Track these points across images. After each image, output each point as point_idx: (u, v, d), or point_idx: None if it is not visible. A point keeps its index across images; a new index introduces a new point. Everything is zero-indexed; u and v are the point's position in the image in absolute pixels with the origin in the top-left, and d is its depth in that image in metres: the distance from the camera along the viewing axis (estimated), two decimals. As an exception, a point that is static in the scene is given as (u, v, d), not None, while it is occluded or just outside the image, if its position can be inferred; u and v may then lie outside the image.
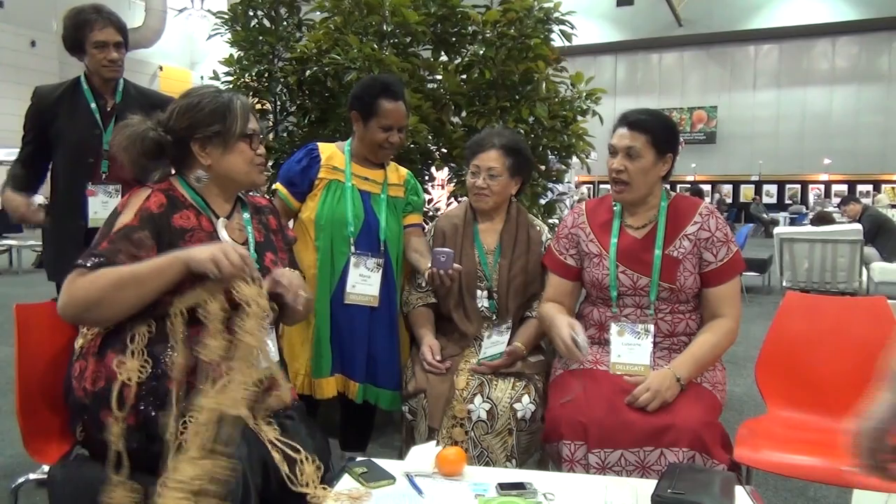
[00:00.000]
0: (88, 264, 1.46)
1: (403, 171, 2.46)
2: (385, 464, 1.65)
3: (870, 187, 20.35)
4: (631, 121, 2.01)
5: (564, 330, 1.91)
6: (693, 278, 2.01)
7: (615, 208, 2.11)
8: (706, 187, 20.42)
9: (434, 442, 1.82)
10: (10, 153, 12.76)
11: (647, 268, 2.00)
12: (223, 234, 1.65)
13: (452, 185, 3.53)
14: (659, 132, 2.00)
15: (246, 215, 1.75)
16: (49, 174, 2.64)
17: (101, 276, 1.44)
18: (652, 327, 2.00)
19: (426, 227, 2.57)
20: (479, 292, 2.30)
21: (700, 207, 2.06)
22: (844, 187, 20.36)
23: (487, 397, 2.06)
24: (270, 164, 3.29)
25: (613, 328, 2.03)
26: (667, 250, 2.00)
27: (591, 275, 2.08)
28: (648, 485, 1.52)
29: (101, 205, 2.47)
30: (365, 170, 2.34)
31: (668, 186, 2.14)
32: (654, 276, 1.99)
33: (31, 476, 1.88)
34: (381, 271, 2.27)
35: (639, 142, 1.97)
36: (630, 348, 1.99)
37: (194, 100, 1.64)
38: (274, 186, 2.40)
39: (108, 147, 2.46)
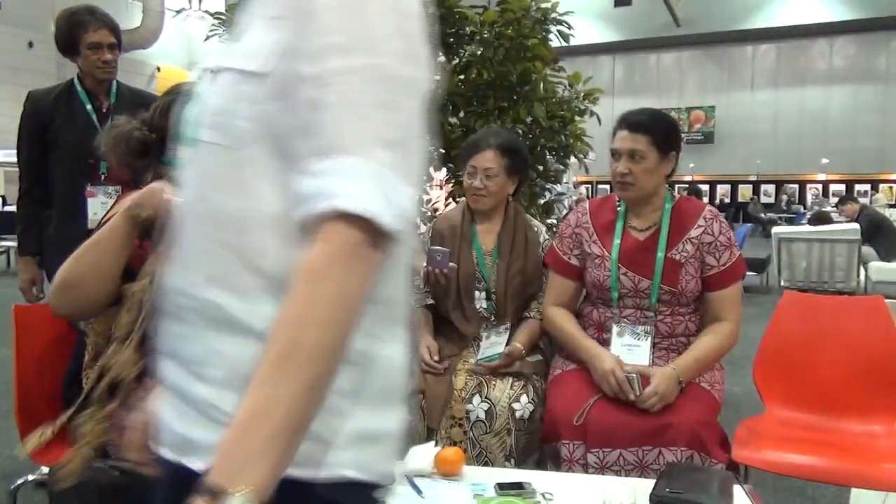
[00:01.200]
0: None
1: None
2: (384, 464, 1.65)
3: (868, 187, 20.37)
4: (631, 122, 2.00)
5: (618, 372, 1.86)
6: (695, 282, 2.00)
7: (619, 209, 2.10)
8: (704, 187, 20.43)
9: (433, 442, 1.82)
10: (8, 154, 12.72)
11: (649, 270, 1.99)
12: None
13: (451, 185, 3.53)
14: (660, 132, 1.99)
15: None
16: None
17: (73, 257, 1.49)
18: (652, 329, 1.99)
19: (424, 227, 2.56)
20: (477, 293, 2.30)
21: (704, 211, 2.05)
22: (842, 187, 20.37)
23: (486, 397, 2.06)
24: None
25: (614, 329, 2.03)
26: (669, 253, 1.99)
27: (593, 276, 2.07)
28: (647, 484, 1.53)
29: (100, 206, 2.47)
30: None
31: (673, 192, 2.12)
32: (655, 279, 1.98)
33: (30, 477, 1.89)
34: None
35: (641, 143, 1.96)
36: (629, 349, 1.98)
37: (175, 97, 1.64)
38: None
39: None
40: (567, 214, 2.19)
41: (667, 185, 2.10)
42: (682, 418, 1.79)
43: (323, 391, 0.67)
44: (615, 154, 2.02)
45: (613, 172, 2.01)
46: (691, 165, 21.69)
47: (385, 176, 0.68)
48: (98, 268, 1.49)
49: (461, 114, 3.36)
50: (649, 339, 1.98)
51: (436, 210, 3.56)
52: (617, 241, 2.04)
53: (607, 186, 22.02)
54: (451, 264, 2.12)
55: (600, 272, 2.05)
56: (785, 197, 20.41)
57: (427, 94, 0.75)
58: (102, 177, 2.51)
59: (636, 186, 1.99)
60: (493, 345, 2.20)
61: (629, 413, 1.81)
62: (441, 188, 3.92)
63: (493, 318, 2.30)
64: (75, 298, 1.51)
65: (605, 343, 2.04)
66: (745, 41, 21.36)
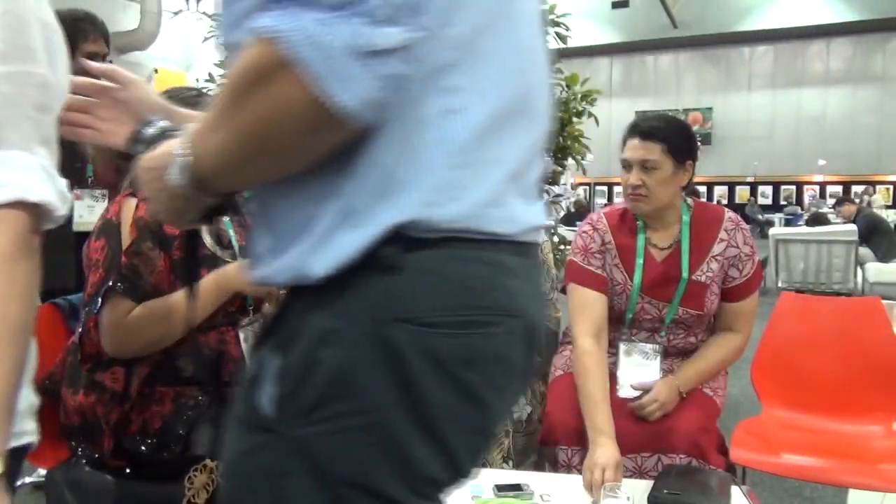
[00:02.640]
0: (132, 296, 1.45)
1: None
2: (382, 466, 1.65)
3: (864, 188, 20.41)
4: (643, 130, 1.85)
5: (607, 474, 1.57)
6: (717, 299, 1.91)
7: (638, 223, 1.95)
8: (702, 189, 20.44)
9: (431, 444, 1.82)
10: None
11: (672, 295, 1.89)
12: (208, 240, 1.65)
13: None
14: (674, 139, 1.84)
15: (226, 218, 1.75)
16: None
17: (151, 314, 1.45)
18: (661, 348, 1.93)
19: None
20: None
21: (724, 221, 1.93)
22: (839, 188, 20.41)
23: (484, 399, 2.06)
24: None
25: (621, 347, 1.94)
26: (693, 276, 1.88)
27: (610, 302, 1.94)
28: (645, 486, 1.53)
29: (86, 209, 2.45)
30: None
31: (687, 200, 1.98)
32: (673, 303, 1.89)
33: (27, 479, 1.88)
34: None
35: (654, 153, 1.82)
36: (638, 369, 1.91)
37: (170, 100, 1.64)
38: None
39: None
40: (582, 226, 2.04)
41: (682, 195, 1.96)
42: (681, 425, 1.77)
43: (25, 363, 0.76)
44: (626, 165, 1.87)
45: (625, 184, 1.89)
46: (689, 167, 21.67)
47: (47, 169, 0.80)
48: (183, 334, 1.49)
49: (459, 115, 3.36)
50: (658, 357, 1.91)
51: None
52: (640, 262, 1.91)
53: (605, 188, 22.02)
54: None
55: (620, 300, 1.93)
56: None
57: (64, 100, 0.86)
58: (89, 180, 2.50)
59: (650, 199, 1.85)
60: (492, 346, 2.19)
61: (627, 420, 1.79)
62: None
63: (491, 319, 2.29)
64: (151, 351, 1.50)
65: (611, 364, 1.93)
66: (742, 43, 21.38)
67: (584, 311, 1.90)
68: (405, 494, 0.65)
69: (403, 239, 0.63)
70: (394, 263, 0.63)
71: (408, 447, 0.64)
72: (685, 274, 1.88)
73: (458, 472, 0.70)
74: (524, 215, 0.71)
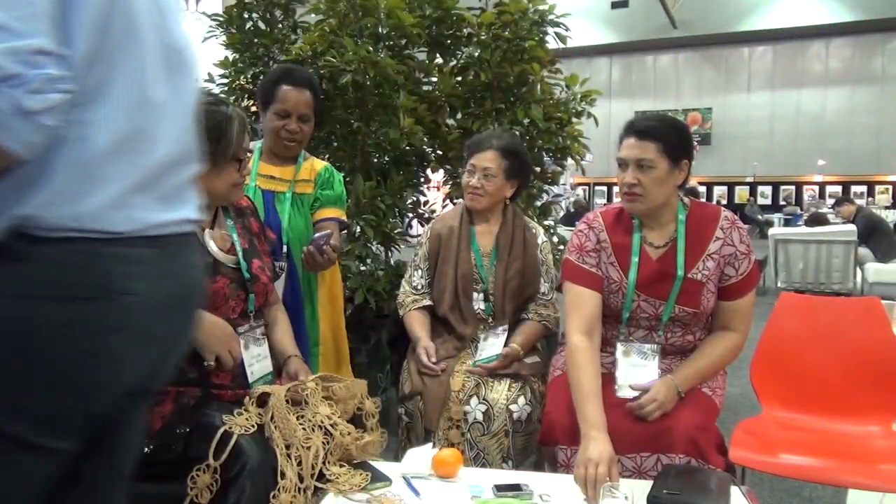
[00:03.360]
0: None
1: (320, 164, 2.35)
2: (381, 466, 1.65)
3: (864, 188, 20.42)
4: (638, 129, 1.85)
5: (600, 469, 1.55)
6: (714, 297, 1.92)
7: (634, 221, 1.95)
8: (701, 189, 20.44)
9: (430, 444, 1.82)
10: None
11: (668, 293, 1.89)
12: (211, 245, 1.65)
13: (448, 187, 3.53)
14: (671, 138, 1.83)
15: (229, 222, 1.74)
16: None
17: None
18: (659, 347, 1.93)
19: (422, 229, 2.56)
20: (475, 294, 2.30)
21: (721, 220, 1.93)
22: (839, 188, 20.41)
23: (484, 399, 2.06)
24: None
25: (619, 348, 1.95)
26: (689, 273, 1.88)
27: (607, 300, 1.95)
28: (645, 485, 1.53)
29: None
30: (273, 167, 2.24)
31: (684, 199, 1.97)
32: (669, 300, 1.89)
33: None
34: (283, 275, 2.11)
35: (650, 151, 1.82)
36: (636, 369, 1.91)
37: None
38: None
39: None
40: (578, 226, 2.04)
41: (679, 195, 1.96)
42: (680, 424, 1.77)
43: None
44: (622, 163, 1.87)
45: (620, 183, 1.88)
46: (688, 167, 21.61)
47: None
48: None
49: (458, 115, 3.36)
50: (656, 358, 1.91)
51: (433, 212, 3.56)
52: (635, 259, 1.91)
53: (604, 188, 22.01)
54: (328, 240, 2.07)
55: (616, 299, 1.94)
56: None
57: None
58: None
59: (645, 198, 1.85)
60: (491, 346, 2.20)
61: (627, 419, 1.78)
62: (438, 189, 3.92)
63: (490, 319, 2.30)
64: None
65: (610, 365, 1.95)
66: (741, 43, 21.38)
67: (578, 308, 1.90)
68: (29, 427, 0.87)
69: (32, 237, 0.84)
70: (21, 255, 0.85)
71: (30, 392, 0.87)
72: (681, 272, 1.89)
73: (81, 408, 0.91)
74: (151, 216, 0.94)
